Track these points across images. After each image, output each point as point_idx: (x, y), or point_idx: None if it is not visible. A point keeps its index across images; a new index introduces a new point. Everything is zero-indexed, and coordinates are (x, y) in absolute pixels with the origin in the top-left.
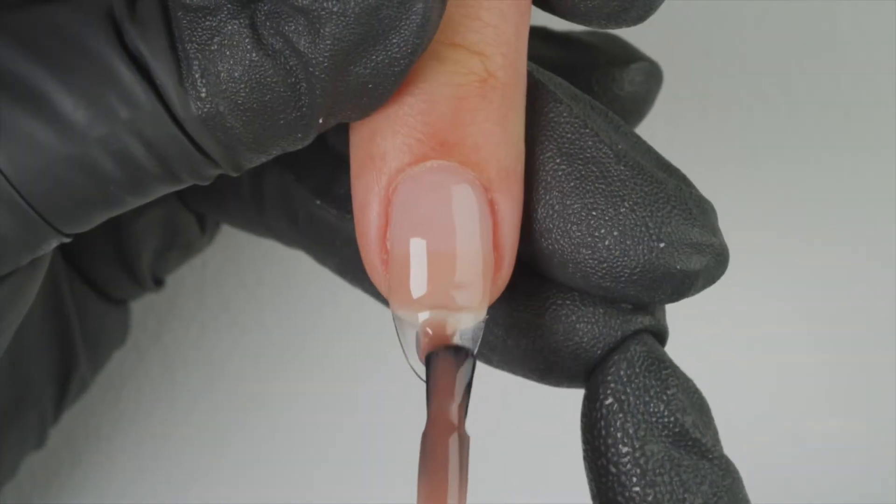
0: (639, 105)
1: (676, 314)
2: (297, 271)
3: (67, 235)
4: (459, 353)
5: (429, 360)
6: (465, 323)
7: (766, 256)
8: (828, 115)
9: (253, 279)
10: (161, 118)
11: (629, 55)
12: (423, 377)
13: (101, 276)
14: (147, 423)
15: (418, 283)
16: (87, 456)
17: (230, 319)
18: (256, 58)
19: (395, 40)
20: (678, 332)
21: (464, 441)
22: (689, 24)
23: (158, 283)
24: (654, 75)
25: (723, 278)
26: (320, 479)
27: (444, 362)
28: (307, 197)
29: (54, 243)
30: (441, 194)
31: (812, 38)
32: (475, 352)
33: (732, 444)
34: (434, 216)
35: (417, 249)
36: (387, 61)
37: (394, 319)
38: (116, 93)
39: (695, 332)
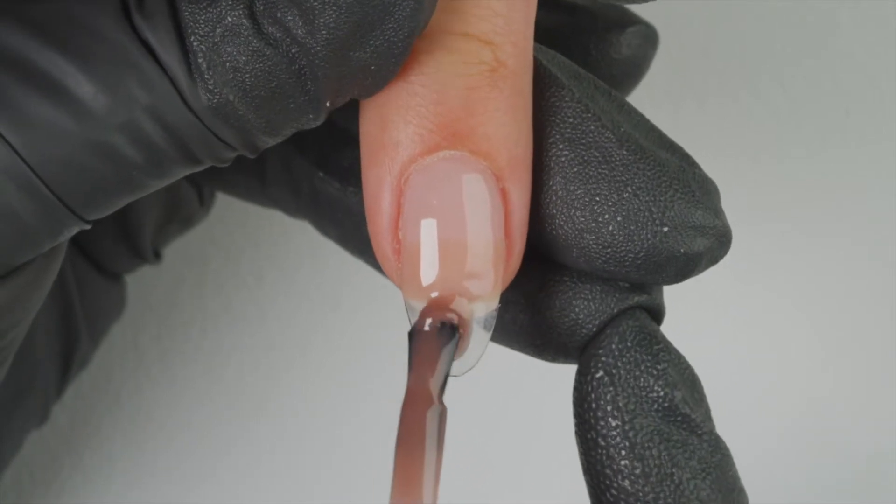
0: (636, 68)
1: (673, 299)
2: (298, 272)
3: (88, 222)
4: (444, 328)
5: (412, 334)
6: (478, 312)
7: (766, 250)
8: (828, 113)
9: (253, 279)
10: (177, 103)
11: (625, 18)
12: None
13: (102, 251)
14: (147, 423)
15: (430, 272)
16: (87, 456)
17: (230, 319)
18: (258, 46)
19: (391, 25)
20: (675, 316)
21: (442, 414)
22: (688, 23)
23: (157, 255)
24: (650, 38)
25: (722, 269)
26: (321, 479)
27: (427, 336)
28: (309, 169)
29: (75, 230)
30: (453, 184)
31: (812, 37)
32: (488, 338)
33: (727, 427)
34: (446, 205)
35: (429, 239)
36: (385, 45)
37: (406, 309)
38: (135, 79)
39: (691, 319)
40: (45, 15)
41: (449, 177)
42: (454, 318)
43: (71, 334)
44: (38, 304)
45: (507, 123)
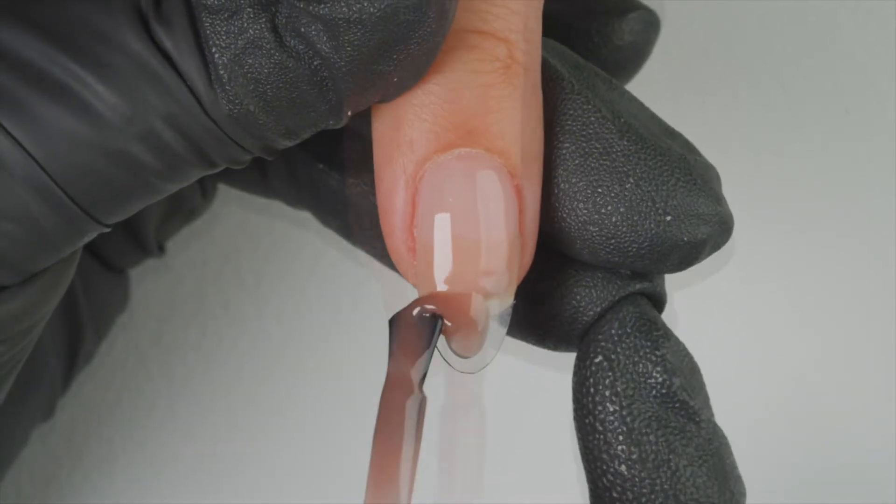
0: (638, 54)
1: (673, 291)
2: (297, 272)
3: (107, 226)
4: (426, 317)
5: (393, 321)
6: (493, 309)
7: (766, 248)
8: (828, 112)
9: (253, 279)
10: (196, 111)
11: (627, 4)
12: (459, 369)
13: (106, 245)
14: (147, 424)
15: (444, 269)
16: (87, 456)
17: (230, 320)
18: (280, 59)
19: (415, 40)
20: (675, 308)
21: (422, 403)
22: (688, 23)
23: (161, 248)
24: (652, 24)
25: (723, 267)
26: (319, 478)
27: (408, 324)
28: (309, 161)
29: (94, 234)
30: (468, 181)
31: (812, 37)
32: (503, 335)
33: (726, 418)
34: (461, 203)
35: (444, 236)
36: (409, 59)
37: None
38: (153, 88)
39: (690, 311)
40: (63, 24)
41: (464, 174)
42: (436, 308)
43: (75, 329)
44: (53, 307)
45: (521, 121)
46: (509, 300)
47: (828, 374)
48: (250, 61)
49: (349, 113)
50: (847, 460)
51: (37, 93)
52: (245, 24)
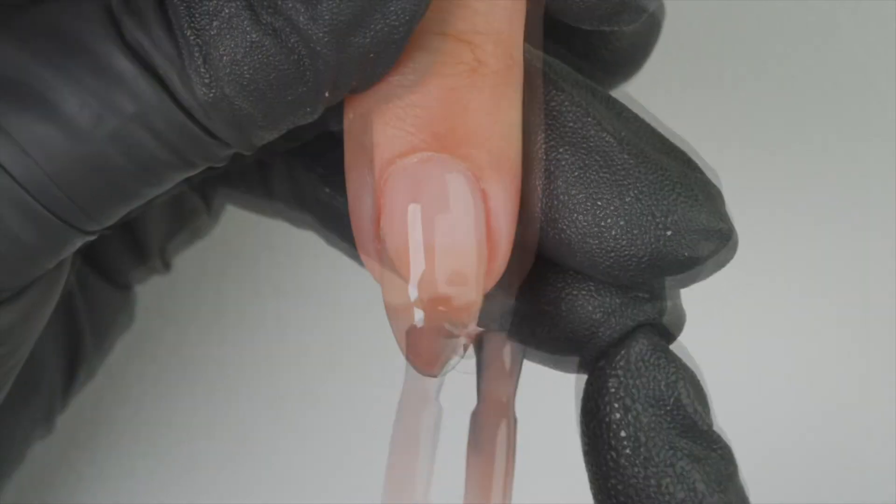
0: (638, 56)
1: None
2: (297, 272)
3: (91, 233)
4: (442, 328)
5: (480, 341)
6: (463, 315)
7: (764, 249)
8: (828, 112)
9: (252, 279)
10: (168, 108)
11: (626, 5)
12: (460, 370)
13: (106, 256)
14: (147, 424)
15: (411, 275)
16: (88, 456)
17: (230, 320)
18: (257, 38)
19: (392, 8)
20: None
21: (437, 414)
22: (688, 24)
23: (167, 266)
24: (652, 25)
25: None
26: (326, 483)
27: (422, 335)
28: (309, 165)
29: (78, 243)
30: (432, 185)
31: (812, 37)
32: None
33: (727, 426)
34: (425, 206)
35: (410, 240)
36: (386, 30)
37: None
38: (121, 89)
39: (691, 314)
40: (28, 26)
41: (429, 178)
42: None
43: (75, 341)
44: (46, 317)
45: (488, 124)
46: (477, 304)
47: (828, 374)
48: (226, 41)
49: (327, 95)
50: (847, 460)
51: (7, 103)
52: (220, 4)
